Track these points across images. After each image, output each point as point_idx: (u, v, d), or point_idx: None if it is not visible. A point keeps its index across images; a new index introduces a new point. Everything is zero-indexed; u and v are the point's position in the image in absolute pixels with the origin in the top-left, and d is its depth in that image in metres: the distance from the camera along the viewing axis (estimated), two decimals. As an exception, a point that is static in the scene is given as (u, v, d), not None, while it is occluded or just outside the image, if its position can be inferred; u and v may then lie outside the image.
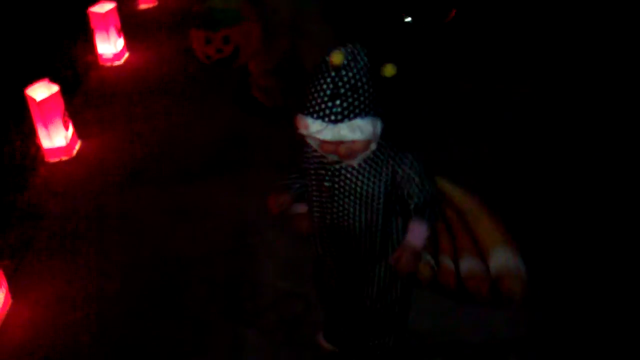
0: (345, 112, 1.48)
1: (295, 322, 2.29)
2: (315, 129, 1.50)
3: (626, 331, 2.17)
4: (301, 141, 1.69)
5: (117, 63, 4.42)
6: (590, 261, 2.45)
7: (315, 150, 1.68)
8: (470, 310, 2.11)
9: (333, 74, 1.47)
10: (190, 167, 3.20)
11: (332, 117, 1.48)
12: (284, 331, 2.25)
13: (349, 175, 1.66)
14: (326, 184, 1.69)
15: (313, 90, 1.49)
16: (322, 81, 1.48)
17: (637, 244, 2.50)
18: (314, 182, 1.74)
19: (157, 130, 3.56)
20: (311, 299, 2.32)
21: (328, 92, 1.47)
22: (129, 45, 4.58)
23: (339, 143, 1.54)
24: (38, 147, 3.34)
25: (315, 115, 1.49)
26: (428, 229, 1.73)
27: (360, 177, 1.66)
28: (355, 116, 1.49)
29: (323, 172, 1.69)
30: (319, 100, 1.48)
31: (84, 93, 4.02)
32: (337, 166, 1.66)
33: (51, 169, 3.27)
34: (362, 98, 1.49)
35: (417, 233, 1.73)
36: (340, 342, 2.15)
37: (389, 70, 1.51)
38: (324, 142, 1.56)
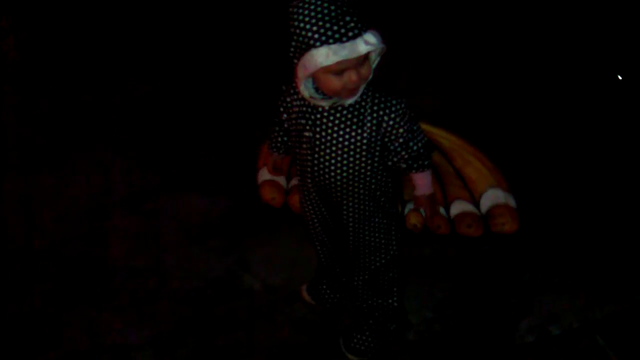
0: (359, 25, 1.40)
1: (148, 298, 2.24)
2: (341, 54, 1.39)
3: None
4: (282, 91, 1.67)
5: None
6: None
7: (296, 100, 1.61)
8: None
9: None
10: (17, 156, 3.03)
11: (350, 34, 1.39)
12: (137, 309, 2.20)
13: (330, 124, 1.56)
14: (306, 134, 1.60)
15: (314, 19, 1.39)
16: (319, 7, 1.39)
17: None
18: (294, 134, 1.67)
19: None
20: (165, 272, 2.33)
21: (332, 9, 1.38)
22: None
23: (355, 68, 1.44)
24: None
25: (331, 40, 1.39)
26: (430, 174, 1.71)
27: (342, 125, 1.55)
28: (366, 30, 1.41)
29: (303, 121, 1.60)
30: (328, 25, 1.38)
31: None
32: (319, 115, 1.57)
33: None
34: (361, 13, 1.42)
35: (422, 184, 1.72)
36: (320, 299, 2.15)
37: None
38: (335, 75, 1.44)
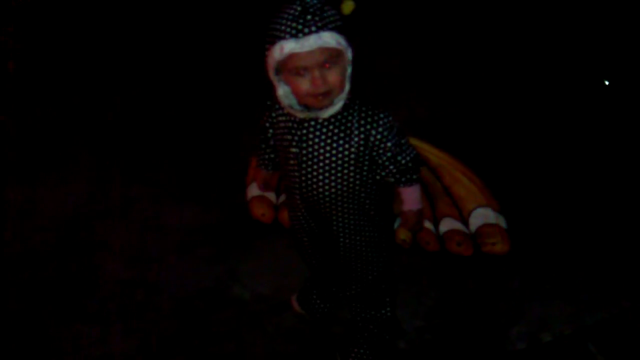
0: (319, 24, 1.41)
1: (136, 309, 2.22)
2: (289, 47, 1.41)
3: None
4: (267, 107, 1.67)
5: None
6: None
7: (281, 115, 1.61)
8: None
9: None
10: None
11: (306, 30, 1.40)
12: (125, 320, 2.18)
13: (316, 140, 1.56)
14: (293, 149, 1.59)
15: (280, 18, 1.43)
16: (288, 8, 1.43)
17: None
18: (280, 150, 1.67)
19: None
20: (153, 283, 2.31)
21: (298, 9, 1.41)
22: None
23: (318, 69, 1.44)
24: None
25: (288, 35, 1.41)
26: (419, 188, 1.70)
27: (329, 140, 1.55)
28: (328, 29, 1.42)
29: (289, 137, 1.59)
30: (289, 22, 1.41)
31: None
32: (305, 130, 1.56)
33: None
34: (331, 17, 1.43)
35: (410, 199, 1.70)
36: (310, 309, 2.13)
37: (348, 6, 1.47)
38: (299, 76, 1.46)
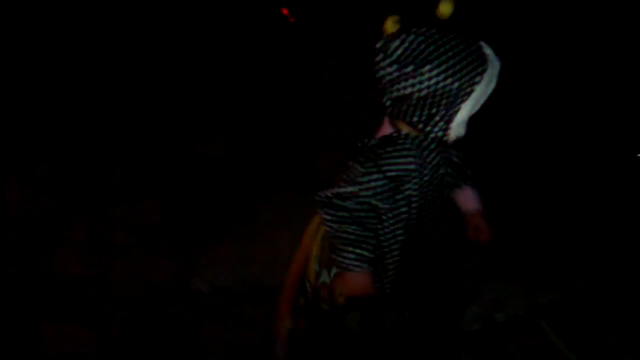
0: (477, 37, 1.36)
1: (94, 305, 2.21)
2: (493, 73, 1.34)
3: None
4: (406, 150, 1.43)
5: None
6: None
7: (435, 150, 1.45)
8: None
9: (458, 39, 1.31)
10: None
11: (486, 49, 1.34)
12: (83, 317, 2.17)
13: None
14: (449, 179, 1.56)
15: (463, 54, 1.31)
16: (463, 45, 1.31)
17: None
18: (427, 192, 1.49)
19: None
20: (112, 278, 2.31)
21: (471, 44, 1.32)
22: None
23: None
24: None
25: (482, 70, 1.31)
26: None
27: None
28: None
29: (442, 171, 1.50)
30: (474, 49, 1.32)
31: None
32: (445, 154, 1.49)
33: None
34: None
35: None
36: None
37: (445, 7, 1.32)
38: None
